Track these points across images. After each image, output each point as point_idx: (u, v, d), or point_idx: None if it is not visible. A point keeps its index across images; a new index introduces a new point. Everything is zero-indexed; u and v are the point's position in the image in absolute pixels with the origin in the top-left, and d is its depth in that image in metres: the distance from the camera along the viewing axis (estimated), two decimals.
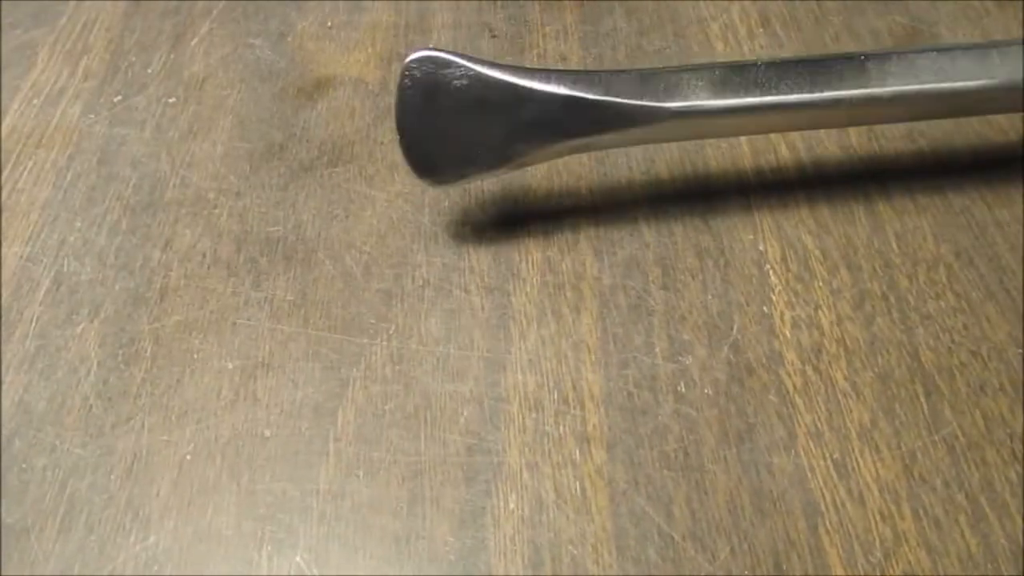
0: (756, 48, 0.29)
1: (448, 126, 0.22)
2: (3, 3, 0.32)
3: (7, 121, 0.28)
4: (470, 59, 0.22)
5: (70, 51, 0.30)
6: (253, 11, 0.31)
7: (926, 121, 0.26)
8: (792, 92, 0.22)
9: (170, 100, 0.29)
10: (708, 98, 0.22)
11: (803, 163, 0.26)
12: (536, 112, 0.22)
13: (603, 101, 0.22)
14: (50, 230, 0.25)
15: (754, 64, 0.23)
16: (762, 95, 0.22)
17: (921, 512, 0.19)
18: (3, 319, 0.23)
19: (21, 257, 0.24)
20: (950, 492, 0.19)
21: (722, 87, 0.22)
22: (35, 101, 0.29)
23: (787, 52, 0.29)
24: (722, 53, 0.29)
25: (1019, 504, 0.19)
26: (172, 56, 0.30)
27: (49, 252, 0.24)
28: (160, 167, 0.27)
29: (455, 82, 0.22)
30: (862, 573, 0.18)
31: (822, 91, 0.22)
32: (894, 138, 0.26)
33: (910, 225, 0.24)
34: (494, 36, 0.30)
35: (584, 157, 0.26)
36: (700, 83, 0.22)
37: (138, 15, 0.32)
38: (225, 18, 0.31)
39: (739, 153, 0.26)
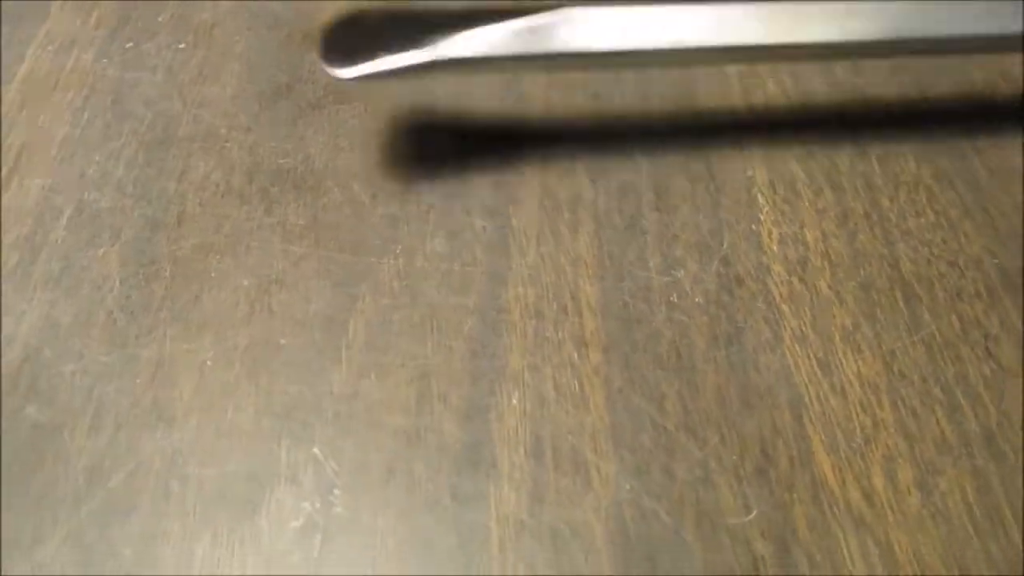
0: None
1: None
2: None
3: (23, 67, 0.29)
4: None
5: (82, 2, 0.31)
6: None
7: (910, 57, 0.28)
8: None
9: (180, 46, 0.30)
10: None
11: (790, 95, 0.27)
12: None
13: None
14: (70, 164, 0.26)
15: None
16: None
17: (899, 403, 0.20)
18: (28, 243, 0.24)
19: (44, 188, 0.25)
20: (927, 386, 0.21)
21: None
22: (49, 48, 0.30)
23: None
24: None
25: (992, 396, 0.20)
26: (181, 5, 0.31)
27: (70, 184, 0.26)
28: (173, 106, 0.28)
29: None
30: (843, 457, 0.19)
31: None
32: (879, 71, 0.28)
33: (892, 150, 0.25)
34: None
35: (580, 90, 0.27)
36: None
37: None
38: None
39: (729, 87, 0.27)
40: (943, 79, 0.27)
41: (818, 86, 0.27)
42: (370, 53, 0.23)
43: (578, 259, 0.23)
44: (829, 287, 0.22)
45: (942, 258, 0.23)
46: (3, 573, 0.19)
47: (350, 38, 0.23)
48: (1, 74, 0.29)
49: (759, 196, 0.25)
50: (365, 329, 0.22)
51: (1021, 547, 0.18)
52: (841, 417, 0.20)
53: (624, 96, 0.27)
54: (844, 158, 0.25)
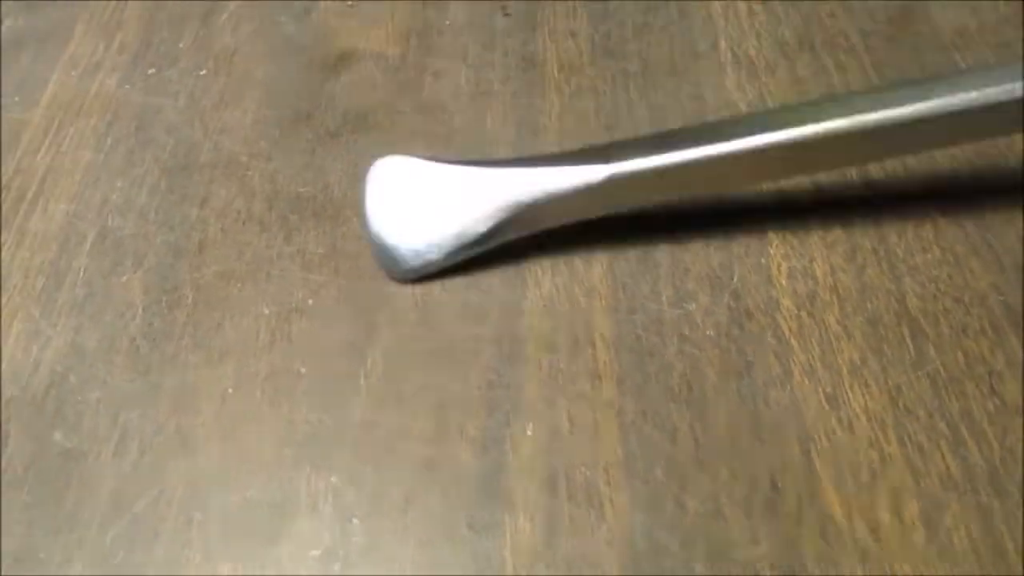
0: (755, 25, 0.31)
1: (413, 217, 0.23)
2: None
3: (48, 92, 0.30)
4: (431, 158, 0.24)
5: (105, 26, 0.32)
6: None
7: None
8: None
9: (201, 72, 0.30)
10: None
11: None
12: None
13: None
14: (93, 189, 0.27)
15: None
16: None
17: (906, 438, 0.21)
18: (53, 269, 0.25)
19: (68, 213, 0.26)
20: (932, 421, 0.21)
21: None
22: (73, 72, 0.31)
23: (786, 29, 0.30)
24: (723, 30, 0.31)
25: (996, 432, 0.21)
26: (202, 31, 0.32)
27: (93, 209, 0.26)
28: (194, 133, 0.28)
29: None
30: (851, 492, 0.20)
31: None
32: None
33: (900, 187, 0.26)
34: (507, 14, 0.32)
35: (593, 124, 0.28)
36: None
37: None
38: None
39: None
40: None
41: None
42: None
43: (592, 291, 0.24)
44: (837, 321, 0.23)
45: (948, 294, 0.23)
46: None
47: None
48: (26, 98, 0.30)
49: (769, 229, 0.25)
50: (383, 358, 0.23)
51: None
52: (849, 452, 0.21)
53: (637, 129, 0.28)
54: (853, 193, 0.26)
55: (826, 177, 0.26)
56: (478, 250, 0.24)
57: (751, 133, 0.22)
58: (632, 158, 0.23)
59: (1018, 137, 0.27)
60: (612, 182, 0.23)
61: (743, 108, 0.28)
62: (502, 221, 0.23)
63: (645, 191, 0.23)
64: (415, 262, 0.23)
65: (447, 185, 0.24)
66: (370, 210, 0.24)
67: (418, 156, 0.25)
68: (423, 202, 0.24)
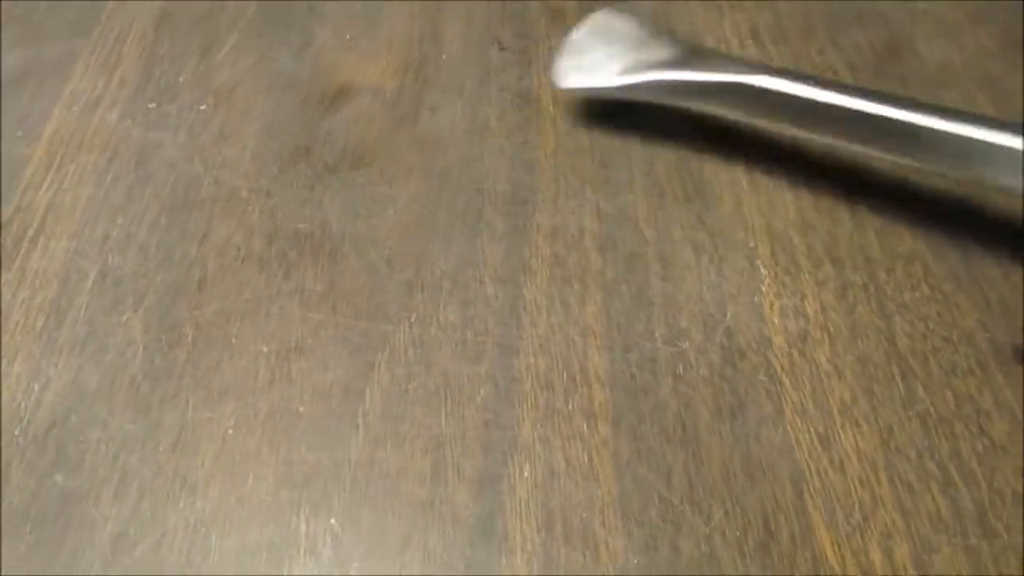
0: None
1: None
2: (39, 16, 0.34)
3: (49, 127, 0.30)
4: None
5: (105, 61, 0.33)
6: (277, 23, 0.34)
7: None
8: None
9: (201, 107, 0.31)
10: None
11: (791, 167, 0.28)
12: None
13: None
14: (94, 226, 0.27)
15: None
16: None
17: (896, 479, 0.21)
18: (54, 307, 0.25)
19: (69, 251, 0.26)
20: (922, 461, 0.21)
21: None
22: (74, 108, 0.31)
23: (775, 64, 0.31)
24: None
25: (985, 472, 0.21)
26: (202, 66, 0.32)
27: (94, 247, 0.26)
28: (194, 168, 0.29)
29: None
30: (843, 533, 0.20)
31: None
32: None
33: (889, 223, 0.26)
34: (503, 49, 0.32)
35: (588, 159, 0.28)
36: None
37: (168, 27, 0.34)
38: (251, 30, 0.33)
39: (733, 156, 0.28)
40: None
41: (817, 156, 0.28)
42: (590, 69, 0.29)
43: (587, 329, 0.24)
44: (828, 360, 0.23)
45: (937, 332, 0.24)
46: None
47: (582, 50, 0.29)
48: (28, 132, 0.30)
49: (761, 267, 0.25)
50: (381, 397, 0.23)
51: None
52: (840, 492, 0.21)
53: (631, 168, 0.28)
54: (843, 229, 0.26)
55: (816, 213, 0.27)
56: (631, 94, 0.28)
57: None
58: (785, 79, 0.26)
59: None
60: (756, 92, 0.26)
61: (737, 142, 0.29)
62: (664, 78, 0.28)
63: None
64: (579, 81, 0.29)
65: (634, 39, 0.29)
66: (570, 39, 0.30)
67: (630, 16, 0.30)
68: (611, 44, 0.29)
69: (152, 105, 0.31)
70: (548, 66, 0.32)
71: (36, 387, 0.23)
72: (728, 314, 0.24)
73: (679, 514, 0.21)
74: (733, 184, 0.28)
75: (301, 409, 0.23)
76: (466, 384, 0.23)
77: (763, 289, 0.25)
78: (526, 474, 0.21)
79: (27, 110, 0.31)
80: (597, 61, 0.29)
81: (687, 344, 0.24)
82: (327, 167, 0.29)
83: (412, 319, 0.24)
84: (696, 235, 0.26)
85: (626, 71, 0.28)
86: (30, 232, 0.27)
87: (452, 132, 0.29)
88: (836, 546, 0.20)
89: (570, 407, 0.23)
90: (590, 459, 0.22)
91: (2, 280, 0.26)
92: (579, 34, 0.30)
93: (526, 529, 0.20)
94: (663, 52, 0.28)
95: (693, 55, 0.28)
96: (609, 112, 0.30)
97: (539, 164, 0.28)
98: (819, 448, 0.22)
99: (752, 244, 0.26)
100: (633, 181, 0.28)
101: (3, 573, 0.20)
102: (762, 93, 0.26)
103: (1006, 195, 0.27)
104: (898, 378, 0.23)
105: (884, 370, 0.23)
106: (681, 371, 0.23)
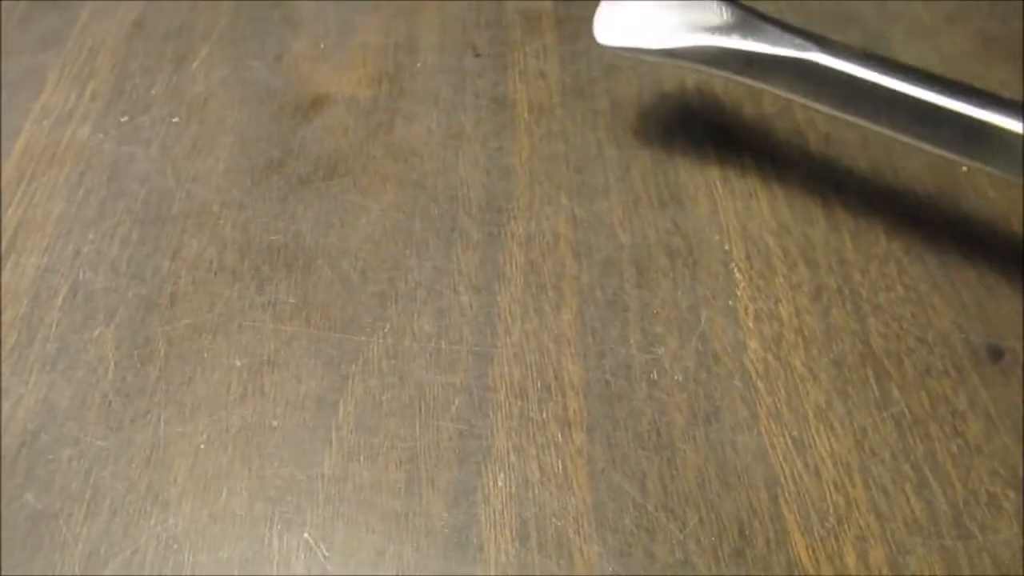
0: None
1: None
2: (10, 29, 0.34)
3: (20, 141, 0.30)
4: None
5: (77, 74, 0.32)
6: (250, 34, 0.33)
7: (879, 130, 0.29)
8: None
9: (174, 119, 0.31)
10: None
11: (766, 169, 0.28)
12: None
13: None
14: (65, 242, 0.27)
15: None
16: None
17: (871, 482, 0.21)
18: (25, 324, 0.25)
19: (39, 267, 0.26)
20: (897, 464, 0.21)
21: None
22: (45, 122, 0.31)
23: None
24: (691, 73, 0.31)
25: (959, 473, 0.21)
26: (174, 78, 0.32)
27: (65, 262, 0.26)
28: (166, 182, 0.28)
29: None
30: (817, 536, 0.20)
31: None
32: (850, 145, 0.29)
33: (864, 224, 0.26)
34: (478, 55, 0.32)
35: (563, 165, 0.28)
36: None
37: (141, 39, 0.34)
38: (224, 41, 0.33)
39: (708, 160, 0.28)
40: (913, 154, 0.28)
41: (792, 158, 0.28)
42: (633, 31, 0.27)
43: (561, 336, 0.24)
44: (803, 364, 0.23)
45: (911, 333, 0.24)
46: None
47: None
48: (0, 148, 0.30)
49: (735, 270, 0.25)
50: (355, 410, 0.23)
51: None
52: (815, 496, 0.21)
53: (606, 173, 0.28)
54: (818, 231, 0.26)
55: (791, 215, 0.27)
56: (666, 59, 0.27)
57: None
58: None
59: (978, 173, 0.28)
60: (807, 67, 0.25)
61: (711, 145, 0.29)
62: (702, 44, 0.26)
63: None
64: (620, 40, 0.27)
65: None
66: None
67: None
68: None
69: (124, 118, 0.31)
70: (524, 71, 0.32)
71: (7, 405, 0.23)
72: (703, 319, 0.24)
73: (654, 521, 0.21)
74: (708, 187, 0.28)
75: (274, 423, 0.23)
76: (440, 394, 0.23)
77: (738, 293, 0.25)
78: (500, 484, 0.21)
79: None
80: (641, 17, 0.27)
81: (662, 350, 0.24)
82: (300, 179, 0.28)
83: (386, 329, 0.24)
84: (671, 240, 0.26)
85: (672, 32, 0.26)
86: (1, 249, 0.27)
87: (427, 140, 0.29)
88: (811, 550, 0.20)
89: (544, 415, 0.22)
90: (564, 467, 0.21)
91: None
92: None
93: (500, 539, 0.20)
94: (711, 15, 0.26)
95: (744, 21, 0.26)
96: (583, 117, 0.30)
97: (514, 170, 0.28)
98: (794, 452, 0.22)
99: (727, 247, 0.26)
100: (608, 186, 0.28)
101: None
102: (822, 73, 0.25)
103: (978, 194, 0.27)
104: (872, 380, 0.23)
105: (858, 372, 0.23)
106: (656, 377, 0.23)
